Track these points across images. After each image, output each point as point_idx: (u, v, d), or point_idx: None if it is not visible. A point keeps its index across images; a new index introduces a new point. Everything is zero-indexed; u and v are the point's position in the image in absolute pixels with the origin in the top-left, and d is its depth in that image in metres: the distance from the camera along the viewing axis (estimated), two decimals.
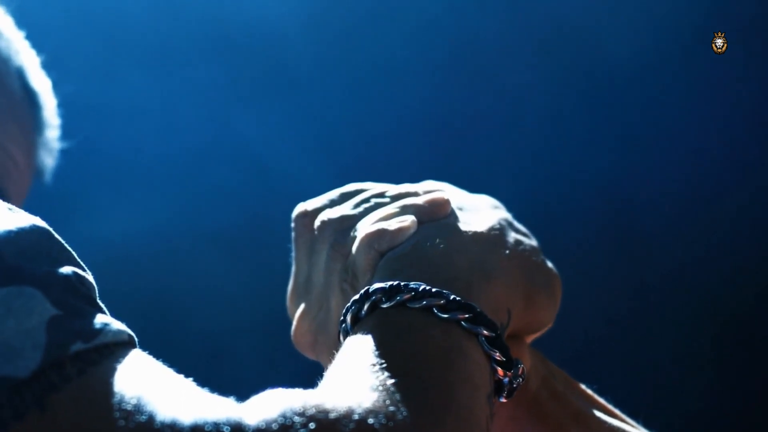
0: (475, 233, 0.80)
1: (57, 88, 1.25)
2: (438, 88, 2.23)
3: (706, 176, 2.26)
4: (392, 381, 0.65)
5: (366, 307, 0.73)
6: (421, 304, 0.71)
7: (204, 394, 0.63)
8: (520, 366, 0.74)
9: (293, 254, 0.85)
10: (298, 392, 0.64)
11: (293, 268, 0.86)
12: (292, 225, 0.85)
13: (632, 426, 0.87)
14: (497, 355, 0.72)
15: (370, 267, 0.78)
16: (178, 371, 0.67)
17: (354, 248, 0.79)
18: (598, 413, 0.87)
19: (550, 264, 0.85)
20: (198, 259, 2.20)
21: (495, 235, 0.81)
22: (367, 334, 0.70)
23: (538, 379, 0.86)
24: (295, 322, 0.84)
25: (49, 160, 1.25)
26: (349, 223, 0.82)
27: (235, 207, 2.21)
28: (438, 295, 0.72)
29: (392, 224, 0.79)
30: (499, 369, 0.73)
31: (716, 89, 2.24)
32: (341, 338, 0.74)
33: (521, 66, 2.23)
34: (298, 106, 2.21)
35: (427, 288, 0.72)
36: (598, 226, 2.25)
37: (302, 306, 0.84)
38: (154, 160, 2.20)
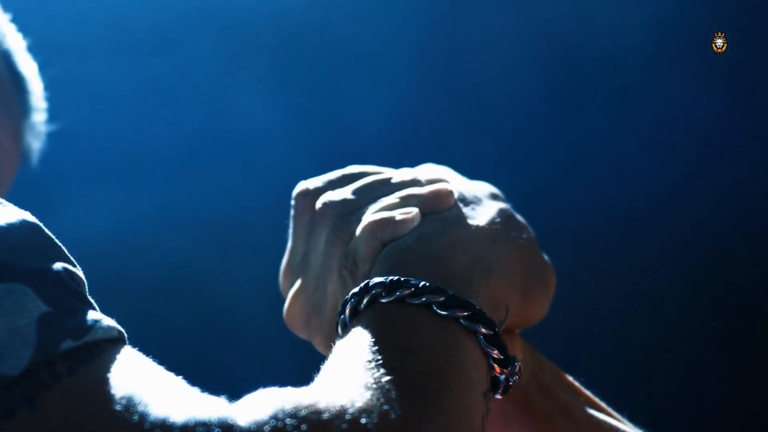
0: (477, 227, 0.80)
1: (43, 71, 1.23)
2: (425, 75, 2.23)
3: (705, 176, 2.26)
4: (387, 378, 0.65)
5: (365, 300, 0.73)
6: (420, 301, 0.71)
7: (195, 393, 0.63)
8: (517, 364, 0.74)
9: (291, 230, 0.85)
10: (291, 392, 0.63)
11: (289, 244, 0.85)
12: (292, 202, 0.85)
13: (618, 420, 0.89)
14: (495, 353, 0.72)
15: (371, 256, 0.78)
16: (167, 367, 0.66)
17: (356, 235, 0.79)
18: (585, 407, 0.88)
19: (545, 257, 0.86)
20: (187, 248, 2.19)
21: (496, 230, 0.81)
22: (365, 329, 0.70)
23: (528, 373, 0.86)
24: (288, 300, 0.83)
25: (36, 144, 1.25)
26: (351, 207, 0.82)
27: (225, 195, 2.20)
28: (438, 291, 0.72)
29: (397, 215, 0.79)
30: (496, 366, 0.73)
31: (716, 89, 2.24)
32: (339, 330, 0.74)
33: (517, 63, 2.22)
34: (289, 94, 2.20)
35: (427, 284, 0.72)
36: (590, 217, 2.25)
37: (297, 283, 0.83)
38: (140, 148, 2.20)
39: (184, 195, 2.20)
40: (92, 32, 2.15)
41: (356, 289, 0.74)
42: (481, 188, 0.86)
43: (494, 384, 0.74)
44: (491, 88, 2.23)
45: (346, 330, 0.73)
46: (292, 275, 0.85)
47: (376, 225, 0.78)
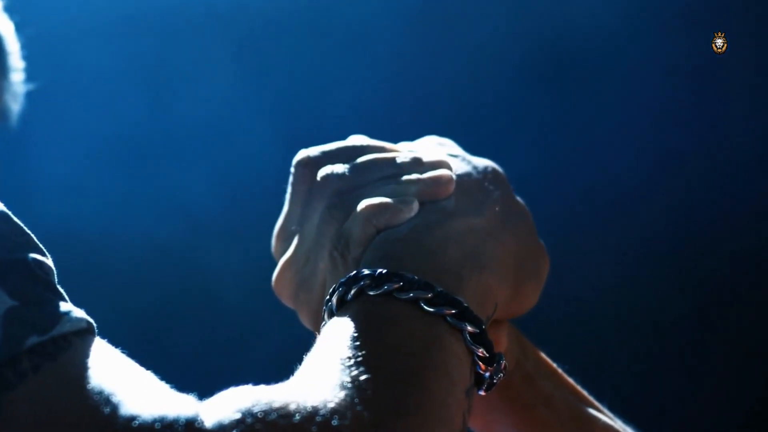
0: (474, 220, 0.79)
1: (19, 30, 1.23)
2: (400, 60, 2.23)
3: (706, 176, 2.26)
4: (365, 377, 0.64)
5: (353, 291, 0.72)
6: (407, 296, 0.70)
7: (164, 389, 0.62)
8: (503, 362, 0.73)
9: (288, 196, 0.83)
10: (262, 391, 0.62)
11: (286, 208, 0.84)
12: (292, 170, 0.83)
13: (598, 409, 0.88)
14: (480, 351, 0.71)
15: (364, 241, 0.77)
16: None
17: (352, 217, 0.78)
18: (567, 396, 0.88)
19: (541, 243, 0.84)
20: (166, 235, 2.20)
21: (493, 222, 0.80)
22: (349, 321, 0.69)
23: (512, 362, 0.86)
24: (279, 268, 0.82)
25: (14, 104, 1.23)
26: (349, 186, 0.80)
27: (202, 183, 2.20)
28: (426, 287, 0.71)
29: (395, 203, 0.77)
30: (481, 364, 0.72)
31: (716, 89, 2.24)
32: (325, 316, 0.73)
33: (514, 60, 2.23)
34: (262, 84, 2.21)
35: (416, 279, 0.71)
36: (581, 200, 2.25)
37: (289, 252, 0.82)
38: (120, 135, 2.20)
39: (162, 181, 2.20)
40: (67, 15, 2.16)
41: (344, 279, 0.72)
42: (483, 170, 0.84)
43: (478, 380, 0.73)
44: (469, 80, 2.24)
45: (332, 317, 0.72)
46: (284, 241, 0.83)
47: (373, 210, 0.77)
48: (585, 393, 0.89)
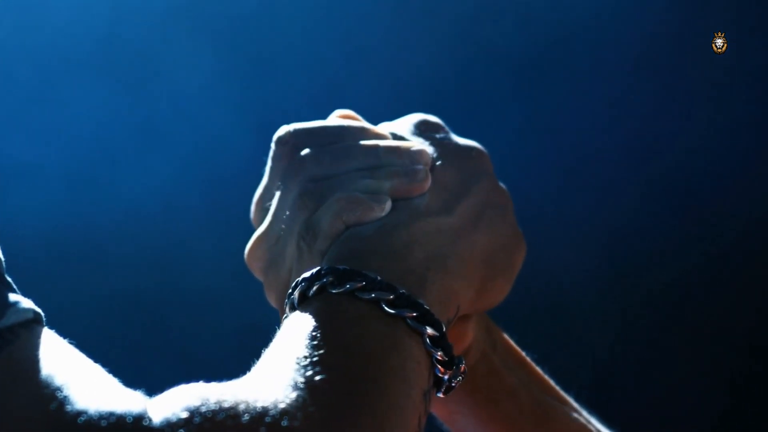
0: (442, 222, 0.78)
1: None
2: (383, 34, 2.23)
3: (705, 175, 2.26)
4: (320, 378, 0.63)
5: (315, 287, 0.71)
6: (369, 297, 0.70)
7: (113, 384, 0.61)
8: (462, 365, 0.73)
9: (267, 168, 0.83)
10: (213, 390, 0.61)
11: (264, 180, 0.83)
12: (272, 145, 0.82)
13: (564, 401, 0.88)
14: (439, 354, 0.71)
15: (331, 235, 0.76)
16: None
17: (322, 209, 0.77)
18: (534, 389, 0.88)
19: (519, 233, 0.84)
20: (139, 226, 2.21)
21: (464, 222, 0.79)
22: (309, 318, 0.68)
23: (478, 353, 0.86)
24: (251, 241, 0.81)
25: None
26: (325, 172, 0.79)
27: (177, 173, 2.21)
28: (388, 288, 0.70)
29: (367, 200, 0.77)
30: (440, 367, 0.71)
31: (716, 89, 2.24)
32: (287, 310, 0.73)
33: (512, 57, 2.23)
34: (230, 65, 2.22)
35: (379, 280, 0.70)
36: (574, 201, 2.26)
37: (262, 227, 0.81)
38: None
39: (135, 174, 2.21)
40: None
41: (307, 274, 0.72)
42: (466, 155, 0.83)
43: (437, 383, 0.72)
44: (450, 63, 2.24)
45: (293, 311, 0.71)
46: (261, 212, 0.82)
47: (344, 206, 0.76)
48: (552, 384, 0.89)
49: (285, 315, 0.73)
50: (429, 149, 0.81)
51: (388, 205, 0.77)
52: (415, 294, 0.71)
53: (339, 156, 0.80)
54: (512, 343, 0.90)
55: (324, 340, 0.66)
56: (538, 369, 0.90)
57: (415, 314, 0.70)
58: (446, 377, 0.72)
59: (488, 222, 0.80)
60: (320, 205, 0.78)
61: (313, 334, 0.66)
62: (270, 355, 0.67)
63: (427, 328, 0.70)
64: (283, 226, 0.79)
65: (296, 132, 0.82)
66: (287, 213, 0.79)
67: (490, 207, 0.81)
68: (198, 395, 0.60)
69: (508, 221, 0.82)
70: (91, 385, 0.59)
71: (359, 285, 0.70)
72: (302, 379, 0.63)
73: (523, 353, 0.90)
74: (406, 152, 0.80)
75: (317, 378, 0.63)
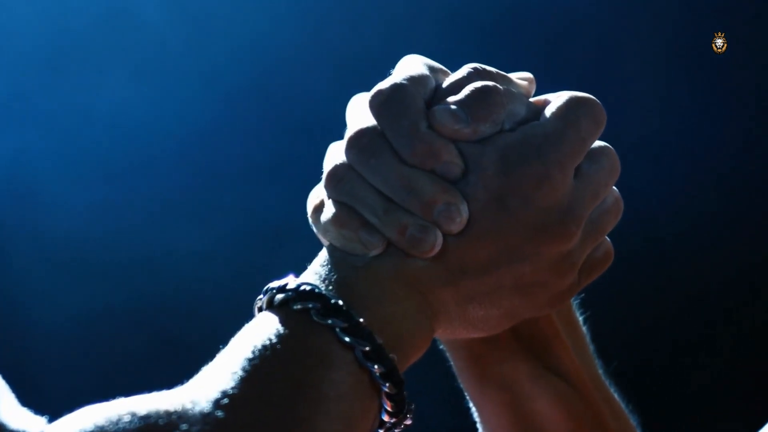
0: (445, 290, 0.70)
1: None
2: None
3: (705, 175, 2.26)
4: (245, 410, 0.61)
5: (279, 298, 0.67)
6: (345, 340, 0.65)
7: (12, 406, 0.60)
8: (408, 421, 0.68)
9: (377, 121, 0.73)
10: (116, 410, 0.60)
11: (362, 125, 0.72)
12: (374, 107, 0.71)
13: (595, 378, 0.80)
14: (389, 406, 0.67)
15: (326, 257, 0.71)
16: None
17: (328, 217, 0.71)
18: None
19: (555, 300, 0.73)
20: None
21: (470, 293, 0.70)
22: (265, 330, 0.65)
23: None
24: (316, 188, 0.74)
25: None
26: (362, 201, 0.71)
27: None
28: (365, 337, 0.65)
29: (362, 239, 0.70)
30: (387, 403, 0.67)
31: (716, 89, 2.24)
32: (255, 310, 0.69)
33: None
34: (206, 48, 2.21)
35: (361, 324, 0.65)
36: None
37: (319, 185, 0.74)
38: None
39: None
40: None
41: (276, 285, 0.68)
42: (523, 204, 0.70)
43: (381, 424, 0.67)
44: None
45: (260, 312, 0.68)
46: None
47: (337, 236, 0.70)
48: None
49: (255, 315, 0.69)
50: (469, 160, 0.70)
51: (383, 246, 0.70)
52: (390, 347, 0.66)
53: (373, 171, 0.71)
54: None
55: (268, 365, 0.63)
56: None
57: (383, 370, 0.65)
58: (390, 423, 0.67)
59: (507, 303, 0.71)
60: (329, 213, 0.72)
61: (262, 353, 0.64)
62: (207, 371, 0.64)
63: (388, 385, 0.66)
64: (324, 214, 0.73)
65: (372, 129, 0.72)
66: (324, 211, 0.73)
67: (518, 292, 0.72)
68: (93, 418, 0.59)
69: (538, 300, 0.72)
70: None
71: (315, 307, 0.66)
72: (228, 403, 0.61)
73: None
74: (427, 205, 0.69)
75: (242, 410, 0.61)
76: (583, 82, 2.24)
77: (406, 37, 2.21)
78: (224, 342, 0.65)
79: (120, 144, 2.21)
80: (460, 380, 0.79)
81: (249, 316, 0.69)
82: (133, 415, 0.59)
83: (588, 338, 0.80)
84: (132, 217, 2.20)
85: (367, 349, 0.65)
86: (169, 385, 0.64)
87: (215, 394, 0.61)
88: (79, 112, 2.19)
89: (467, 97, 0.70)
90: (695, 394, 2.25)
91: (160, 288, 2.21)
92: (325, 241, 0.71)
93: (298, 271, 0.70)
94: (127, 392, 0.62)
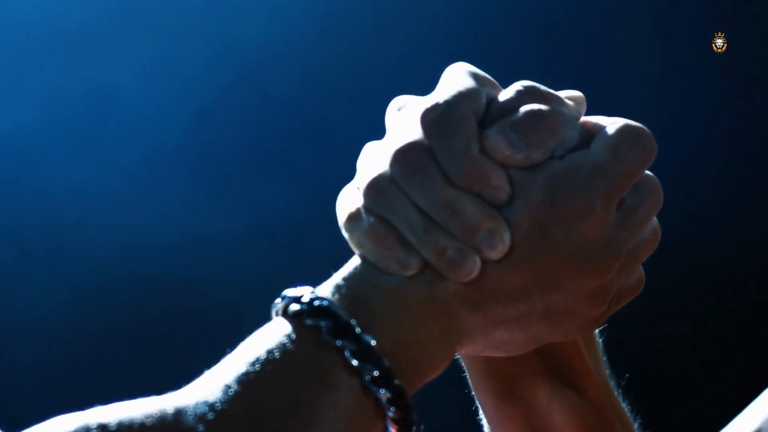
0: (473, 315, 0.68)
1: None
2: None
3: (705, 175, 2.26)
4: (228, 428, 0.60)
5: (292, 310, 0.65)
6: (353, 364, 0.63)
7: None
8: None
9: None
10: (84, 421, 0.58)
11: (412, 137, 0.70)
12: (423, 119, 0.69)
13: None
14: (392, 412, 0.65)
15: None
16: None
17: (361, 248, 0.69)
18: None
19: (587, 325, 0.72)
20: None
21: (495, 324, 0.69)
22: (275, 339, 0.64)
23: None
24: (348, 190, 0.71)
25: None
26: (402, 224, 0.68)
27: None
28: (375, 362, 0.64)
29: (395, 258, 0.68)
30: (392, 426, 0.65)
31: (716, 89, 2.24)
32: (272, 314, 0.67)
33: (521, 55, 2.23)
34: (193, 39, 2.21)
35: (373, 347, 0.64)
36: None
37: (352, 185, 0.72)
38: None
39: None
40: None
41: (292, 293, 0.66)
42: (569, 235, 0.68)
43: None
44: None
45: (274, 317, 0.66)
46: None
47: (380, 256, 0.67)
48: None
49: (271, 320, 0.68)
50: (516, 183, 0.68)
51: (415, 270, 0.68)
52: (398, 373, 0.64)
53: (417, 189, 0.68)
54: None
55: (267, 383, 0.62)
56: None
57: (389, 396, 0.64)
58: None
59: (527, 328, 0.70)
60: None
61: (264, 358, 0.63)
62: (215, 368, 0.63)
63: (394, 409, 0.64)
64: (351, 214, 0.70)
65: (420, 144, 0.69)
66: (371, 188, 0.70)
67: (543, 318, 0.70)
68: (66, 425, 0.58)
69: (566, 328, 0.71)
70: None
71: (327, 325, 0.64)
72: (214, 416, 0.60)
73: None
74: (470, 230, 0.68)
75: (229, 414, 0.60)
76: (583, 82, 2.24)
77: (405, 36, 2.21)
78: (229, 344, 0.64)
79: (126, 130, 2.22)
80: (474, 391, 0.78)
81: (249, 317, 0.68)
82: (103, 428, 0.57)
83: (601, 349, 0.79)
84: (136, 204, 2.21)
85: (375, 374, 0.63)
86: (170, 385, 0.63)
87: (201, 407, 0.60)
88: (78, 93, 2.20)
89: (522, 121, 0.68)
90: (688, 387, 2.25)
91: (158, 275, 2.21)
92: (356, 250, 0.69)
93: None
94: (129, 393, 0.61)
